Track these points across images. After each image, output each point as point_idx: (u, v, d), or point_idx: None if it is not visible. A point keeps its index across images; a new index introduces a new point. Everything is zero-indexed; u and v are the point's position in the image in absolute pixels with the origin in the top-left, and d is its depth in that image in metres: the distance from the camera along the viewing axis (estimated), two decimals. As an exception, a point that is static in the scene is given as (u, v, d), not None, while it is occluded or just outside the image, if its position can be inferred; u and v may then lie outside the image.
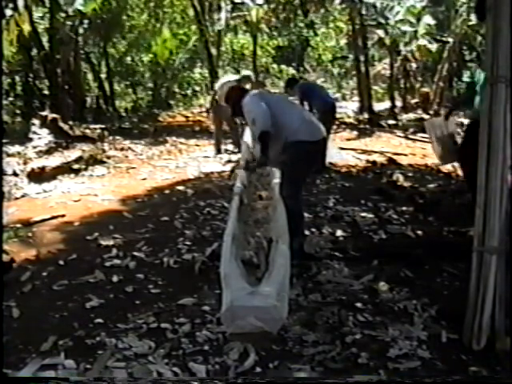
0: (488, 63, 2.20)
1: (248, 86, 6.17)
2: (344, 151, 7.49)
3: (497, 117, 2.17)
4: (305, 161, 3.14)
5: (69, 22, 12.35)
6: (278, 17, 15.52)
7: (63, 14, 11.98)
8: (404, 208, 4.42)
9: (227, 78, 7.86)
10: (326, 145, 3.34)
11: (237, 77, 7.57)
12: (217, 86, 7.64)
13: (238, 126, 7.69)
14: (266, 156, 3.15)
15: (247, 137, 4.80)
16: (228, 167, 6.54)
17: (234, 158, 6.89)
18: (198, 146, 8.08)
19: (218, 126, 7.60)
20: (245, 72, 8.03)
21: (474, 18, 12.21)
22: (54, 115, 8.62)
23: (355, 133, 10.25)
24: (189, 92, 18.33)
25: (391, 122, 11.85)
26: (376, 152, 7.63)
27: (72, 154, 7.01)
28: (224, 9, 14.43)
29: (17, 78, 13.69)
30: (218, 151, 7.53)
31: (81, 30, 13.77)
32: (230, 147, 7.65)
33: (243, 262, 2.46)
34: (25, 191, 5.39)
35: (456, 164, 5.10)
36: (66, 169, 6.31)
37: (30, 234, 3.94)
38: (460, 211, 4.13)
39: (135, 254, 3.46)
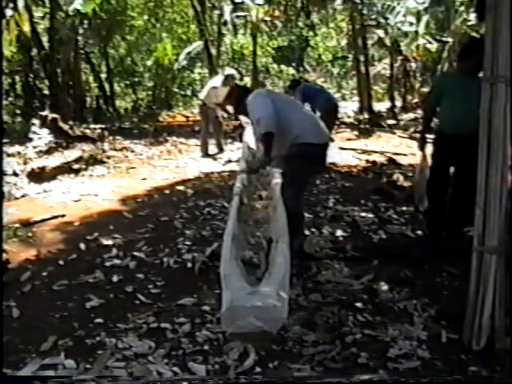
0: (488, 63, 2.20)
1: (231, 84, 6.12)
2: (344, 151, 7.48)
3: (497, 117, 2.17)
4: (309, 163, 3.11)
5: (69, 22, 12.34)
6: (278, 17, 15.51)
7: (63, 14, 11.97)
8: (404, 208, 4.42)
9: (214, 80, 7.72)
10: (328, 146, 3.33)
11: (221, 77, 7.43)
12: (205, 88, 7.65)
13: (222, 128, 7.75)
14: (269, 157, 3.10)
15: (247, 137, 4.80)
16: (228, 167, 6.54)
17: (234, 157, 6.89)
18: (198, 145, 8.07)
19: (205, 128, 7.57)
20: (227, 71, 7.81)
21: (473, 18, 12.21)
22: (54, 115, 8.60)
23: (355, 133, 10.25)
24: (189, 92, 18.32)
25: (391, 121, 11.84)
26: (376, 152, 7.63)
27: (72, 154, 7.01)
28: (225, 9, 14.40)
29: (17, 78, 13.70)
30: (206, 153, 7.50)
31: (81, 30, 13.78)
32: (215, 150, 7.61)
33: (243, 262, 2.46)
34: (25, 191, 5.38)
35: None
36: (66, 169, 6.31)
37: (30, 234, 3.94)
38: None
39: (135, 253, 3.46)
